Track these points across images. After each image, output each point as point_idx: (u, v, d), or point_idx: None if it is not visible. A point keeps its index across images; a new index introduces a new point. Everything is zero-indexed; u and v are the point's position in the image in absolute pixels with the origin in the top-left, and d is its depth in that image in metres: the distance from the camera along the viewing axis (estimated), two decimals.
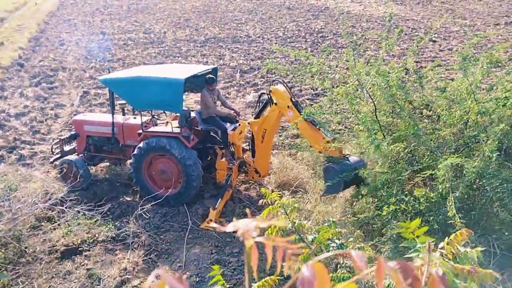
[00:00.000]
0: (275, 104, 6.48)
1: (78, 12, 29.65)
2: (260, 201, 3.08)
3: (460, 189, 4.27)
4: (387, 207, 4.69)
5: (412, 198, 4.66)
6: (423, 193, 4.58)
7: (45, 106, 12.28)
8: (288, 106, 6.32)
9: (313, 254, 3.15)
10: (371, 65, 6.08)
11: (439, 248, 1.68)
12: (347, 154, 6.08)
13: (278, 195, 2.80)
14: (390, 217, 4.65)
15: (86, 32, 22.90)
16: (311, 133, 6.19)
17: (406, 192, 4.84)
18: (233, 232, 0.85)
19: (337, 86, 6.27)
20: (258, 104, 7.11)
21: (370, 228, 5.26)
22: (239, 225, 0.85)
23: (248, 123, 7.05)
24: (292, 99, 6.45)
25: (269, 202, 2.82)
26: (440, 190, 4.31)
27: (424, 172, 4.65)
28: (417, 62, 6.39)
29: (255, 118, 7.01)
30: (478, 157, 4.44)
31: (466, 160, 4.44)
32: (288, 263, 0.82)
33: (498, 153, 4.33)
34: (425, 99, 5.79)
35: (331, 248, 2.51)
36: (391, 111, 5.68)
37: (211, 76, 7.29)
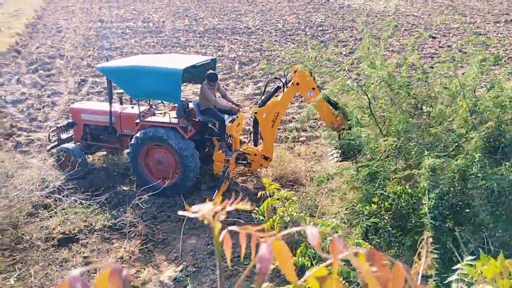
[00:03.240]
0: (297, 84, 6.61)
1: None
2: (259, 193, 3.10)
3: (441, 187, 4.30)
4: (369, 206, 4.72)
5: (394, 196, 4.69)
6: (400, 190, 4.61)
7: (42, 93, 12.22)
8: (313, 88, 6.60)
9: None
10: (369, 58, 6.09)
11: None
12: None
13: (276, 188, 2.83)
14: (372, 215, 4.70)
15: (84, 20, 22.70)
16: (326, 109, 6.69)
17: (390, 188, 4.86)
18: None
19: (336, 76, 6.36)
20: (264, 92, 7.19)
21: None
22: (202, 209, 0.83)
23: (255, 112, 7.03)
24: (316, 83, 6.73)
25: (268, 194, 2.85)
26: (421, 188, 4.34)
27: (402, 172, 4.68)
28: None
29: (259, 106, 7.03)
30: (462, 155, 4.47)
31: (448, 159, 4.46)
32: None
33: (482, 151, 4.35)
34: (426, 94, 5.81)
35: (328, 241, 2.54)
36: (389, 105, 5.69)
37: (213, 72, 7.23)
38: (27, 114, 10.62)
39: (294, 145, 9.00)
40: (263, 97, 7.12)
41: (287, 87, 6.78)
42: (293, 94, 6.98)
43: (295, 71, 6.56)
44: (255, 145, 7.38)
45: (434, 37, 17.96)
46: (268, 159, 7.24)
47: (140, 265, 5.54)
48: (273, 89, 7.05)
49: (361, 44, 6.81)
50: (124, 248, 5.75)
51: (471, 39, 6.16)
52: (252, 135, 7.52)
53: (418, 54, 6.50)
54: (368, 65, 5.82)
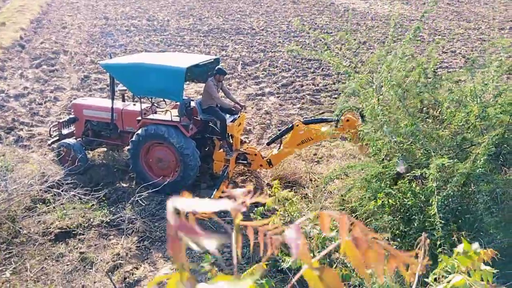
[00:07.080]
0: (348, 131, 6.52)
1: None
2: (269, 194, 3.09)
3: (448, 190, 4.29)
4: (374, 201, 4.73)
5: (400, 194, 4.71)
6: (409, 188, 4.62)
7: (45, 88, 12.22)
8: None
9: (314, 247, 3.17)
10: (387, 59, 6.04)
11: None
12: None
13: (278, 186, 2.83)
14: (375, 210, 4.73)
15: (89, 16, 22.75)
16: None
17: (395, 187, 4.87)
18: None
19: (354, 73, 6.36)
20: (316, 115, 7.35)
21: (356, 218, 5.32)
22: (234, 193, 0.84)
23: (297, 125, 6.98)
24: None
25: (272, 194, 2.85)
26: (428, 189, 4.34)
27: (414, 171, 4.67)
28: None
29: (305, 123, 7.01)
30: (469, 160, 4.46)
31: (456, 162, 4.46)
32: (272, 246, 0.82)
33: (487, 157, 4.33)
34: (434, 99, 5.79)
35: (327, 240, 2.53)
36: (397, 106, 5.66)
37: (222, 68, 7.29)
38: (29, 109, 10.62)
39: None
40: (313, 119, 7.29)
41: (336, 127, 6.68)
42: (338, 136, 6.97)
43: (347, 120, 6.53)
44: (269, 144, 7.56)
45: (437, 43, 17.92)
46: (271, 165, 7.27)
47: (137, 262, 5.52)
48: (325, 117, 7.14)
49: (380, 46, 6.83)
50: (121, 244, 5.74)
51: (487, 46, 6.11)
52: (274, 135, 7.65)
53: (424, 58, 6.45)
54: (386, 67, 5.78)
